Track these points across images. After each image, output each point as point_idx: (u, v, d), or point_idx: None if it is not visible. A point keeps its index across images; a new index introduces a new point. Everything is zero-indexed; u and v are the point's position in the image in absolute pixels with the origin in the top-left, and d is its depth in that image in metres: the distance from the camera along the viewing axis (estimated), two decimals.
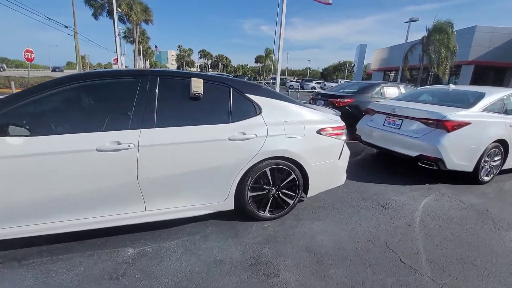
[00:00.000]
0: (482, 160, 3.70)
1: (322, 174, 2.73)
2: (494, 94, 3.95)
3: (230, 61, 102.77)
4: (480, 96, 3.90)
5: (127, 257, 2.02)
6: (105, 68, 29.81)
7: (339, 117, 2.94)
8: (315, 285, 1.83)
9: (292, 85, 33.47)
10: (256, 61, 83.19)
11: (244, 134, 2.33)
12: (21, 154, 1.81)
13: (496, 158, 3.88)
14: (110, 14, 21.24)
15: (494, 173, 3.94)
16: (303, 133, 2.55)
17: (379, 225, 2.65)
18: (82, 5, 24.70)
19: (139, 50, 50.39)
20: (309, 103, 7.29)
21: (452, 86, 4.51)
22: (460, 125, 3.51)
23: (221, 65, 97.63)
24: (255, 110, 2.45)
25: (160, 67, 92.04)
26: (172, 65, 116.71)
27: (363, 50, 46.94)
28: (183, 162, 2.19)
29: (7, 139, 1.80)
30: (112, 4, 20.34)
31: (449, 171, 3.62)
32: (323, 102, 6.66)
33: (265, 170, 2.46)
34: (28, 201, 1.87)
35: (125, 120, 2.07)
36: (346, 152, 2.92)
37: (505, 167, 4.06)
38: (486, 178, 3.88)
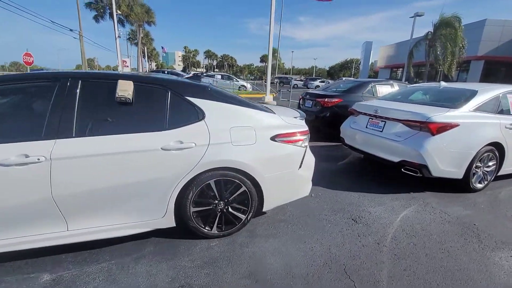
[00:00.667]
0: (474, 166, 3.31)
1: (279, 185, 2.43)
2: (488, 92, 3.56)
3: (235, 61, 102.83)
4: (472, 95, 3.51)
5: (39, 285, 1.77)
6: (113, 70, 30.02)
7: (303, 121, 2.63)
8: None
9: (296, 84, 33.04)
10: (261, 60, 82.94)
11: (182, 143, 2.05)
12: None
13: (490, 163, 3.49)
14: (112, 16, 21.26)
15: (488, 180, 3.55)
16: (254, 140, 2.25)
17: (343, 243, 2.33)
18: (86, 8, 24.93)
19: (144, 52, 50.90)
20: (299, 103, 6.97)
21: (443, 84, 4.11)
22: (446, 127, 3.14)
23: (226, 65, 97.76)
24: (197, 115, 2.17)
25: (167, 69, 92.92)
26: (179, 66, 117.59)
27: (369, 48, 45.98)
28: (108, 176, 1.92)
29: None
30: (111, 6, 20.40)
31: (440, 178, 3.25)
32: (311, 102, 6.33)
33: (210, 183, 2.18)
34: None
35: (37, 129, 1.82)
36: (310, 159, 2.60)
37: (501, 172, 3.66)
38: (479, 186, 3.49)
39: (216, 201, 2.26)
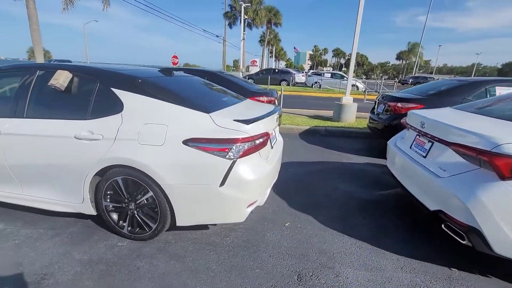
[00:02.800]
0: None
1: (192, 200, 1.99)
2: None
3: (366, 58, 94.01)
4: None
5: None
6: (245, 69, 34.67)
7: (248, 126, 2.01)
8: None
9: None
10: (398, 57, 71.73)
11: (92, 133, 2.03)
12: None
13: None
14: (240, 22, 24.22)
15: None
16: (162, 142, 1.93)
17: None
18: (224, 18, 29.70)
19: (272, 52, 55.11)
20: (373, 105, 5.55)
21: None
22: None
23: (355, 63, 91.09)
24: (116, 108, 2.08)
25: (295, 67, 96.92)
26: (308, 65, 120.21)
27: None
28: (35, 154, 2.18)
29: None
30: (240, 13, 23.17)
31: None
32: (383, 107, 4.84)
33: (117, 180, 2.07)
34: None
35: (10, 108, 2.28)
36: (244, 177, 1.97)
37: None
38: None
39: (126, 201, 2.12)
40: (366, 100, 12.62)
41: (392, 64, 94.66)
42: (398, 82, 38.75)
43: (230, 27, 29.40)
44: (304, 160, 4.37)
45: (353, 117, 7.22)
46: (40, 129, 2.15)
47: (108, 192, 2.14)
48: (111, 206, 2.18)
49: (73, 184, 2.16)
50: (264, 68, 31.45)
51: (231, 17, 28.43)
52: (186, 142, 1.91)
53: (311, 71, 28.61)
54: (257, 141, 2.08)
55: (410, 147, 2.61)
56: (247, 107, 2.61)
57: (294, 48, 66.50)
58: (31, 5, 8.93)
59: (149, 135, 1.96)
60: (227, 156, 1.90)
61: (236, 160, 1.92)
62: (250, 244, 2.22)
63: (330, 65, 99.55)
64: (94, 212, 2.24)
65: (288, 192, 3.18)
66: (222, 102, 2.48)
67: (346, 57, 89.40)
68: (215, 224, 2.44)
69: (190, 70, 4.78)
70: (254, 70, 28.67)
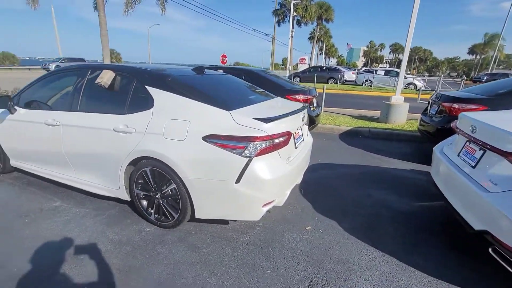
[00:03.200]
0: None
1: (209, 194, 2.05)
2: None
3: (431, 53, 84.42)
4: None
5: (50, 207, 2.68)
6: (293, 67, 34.44)
7: (267, 124, 1.99)
8: None
9: None
10: (471, 51, 62.60)
11: (127, 127, 2.25)
12: (28, 120, 2.86)
13: None
14: (289, 19, 23.91)
15: None
16: (184, 137, 2.03)
17: None
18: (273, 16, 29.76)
19: (322, 49, 53.32)
20: (426, 106, 4.97)
21: None
22: None
23: (417, 60, 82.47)
24: (148, 104, 2.25)
25: (346, 65, 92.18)
26: (361, 62, 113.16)
27: None
28: (84, 143, 2.51)
29: (20, 109, 2.92)
30: (290, 10, 22.89)
31: None
32: (436, 108, 4.28)
33: (146, 170, 2.25)
34: (34, 150, 2.93)
35: (68, 103, 2.66)
36: (260, 176, 1.95)
37: None
38: None
39: (153, 190, 2.29)
40: (420, 100, 11.31)
41: (462, 60, 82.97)
42: (469, 80, 33.71)
43: (279, 24, 29.30)
44: (338, 163, 4.13)
45: (403, 119, 6.56)
46: (88, 121, 2.45)
47: (139, 181, 2.34)
48: (141, 194, 2.38)
49: (112, 171, 2.42)
50: (312, 66, 30.64)
51: (280, 14, 28.28)
52: (205, 138, 1.98)
53: (363, 68, 26.82)
54: (276, 140, 2.04)
55: (458, 155, 2.26)
56: (272, 106, 2.58)
57: (347, 44, 62.89)
58: (102, 14, 10.26)
59: (173, 130, 2.08)
60: (243, 154, 1.91)
61: (252, 158, 1.92)
62: (266, 243, 2.20)
63: (386, 61, 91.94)
64: (128, 198, 2.47)
65: (316, 195, 3.06)
66: (246, 100, 2.50)
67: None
68: (235, 220, 2.48)
69: (229, 69, 4.92)
70: (302, 68, 28.10)
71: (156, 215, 2.36)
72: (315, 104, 5.23)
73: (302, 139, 2.66)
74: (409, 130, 5.85)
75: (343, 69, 22.65)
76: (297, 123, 2.42)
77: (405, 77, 18.50)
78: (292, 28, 24.53)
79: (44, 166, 2.92)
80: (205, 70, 2.87)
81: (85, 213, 2.57)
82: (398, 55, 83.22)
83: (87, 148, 2.51)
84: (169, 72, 2.48)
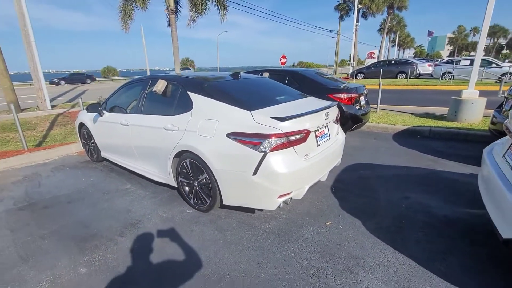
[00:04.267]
0: None
1: (233, 184, 2.37)
2: None
3: None
4: None
5: (123, 189, 3.44)
6: (363, 63, 32.62)
7: (282, 123, 2.19)
8: None
9: None
10: None
11: (173, 126, 2.76)
12: (110, 121, 3.74)
13: None
14: (356, 12, 22.53)
15: None
16: (213, 134, 2.41)
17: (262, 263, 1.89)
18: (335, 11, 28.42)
19: (394, 40, 48.34)
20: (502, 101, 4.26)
21: None
22: None
23: None
24: (189, 107, 2.71)
25: (427, 55, 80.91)
26: (447, 51, 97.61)
27: None
28: (145, 139, 3.14)
29: (107, 113, 3.82)
30: (354, 2, 21.61)
31: None
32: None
33: (186, 162, 2.71)
34: (114, 144, 3.81)
35: (136, 107, 3.38)
36: (274, 169, 2.16)
37: None
38: None
39: (192, 178, 2.74)
40: (502, 94, 9.23)
41: None
42: None
43: (342, 19, 27.80)
44: (383, 163, 3.93)
45: (477, 116, 5.63)
46: (147, 121, 3.08)
47: (182, 171, 2.82)
48: (184, 181, 2.86)
49: (163, 162, 2.98)
50: (381, 59, 28.10)
51: (343, 9, 26.87)
52: (229, 135, 2.30)
53: (446, 58, 23.11)
54: (292, 138, 2.22)
55: (503, 156, 2.00)
56: (298, 105, 2.73)
57: (428, 32, 55.31)
58: (174, 29, 11.81)
59: (205, 128, 2.48)
60: (259, 149, 2.16)
61: (267, 153, 2.15)
62: (284, 232, 2.39)
63: (479, 48, 76.76)
64: (175, 184, 3.00)
65: (347, 193, 3.05)
66: (272, 100, 2.72)
67: (509, 35, 66.58)
68: (261, 210, 2.74)
69: (273, 71, 5.17)
70: (370, 62, 26.08)
71: (194, 200, 2.81)
72: (362, 102, 5.02)
73: (327, 137, 2.74)
74: (481, 129, 5.02)
75: (416, 61, 20.11)
76: (319, 121, 2.52)
77: (500, 66, 15.34)
78: (357, 21, 23.06)
79: (120, 157, 3.74)
80: (241, 74, 3.21)
81: (146, 195, 3.22)
82: (498, 39, 68.62)
83: (147, 143, 3.14)
84: (206, 79, 2.90)
